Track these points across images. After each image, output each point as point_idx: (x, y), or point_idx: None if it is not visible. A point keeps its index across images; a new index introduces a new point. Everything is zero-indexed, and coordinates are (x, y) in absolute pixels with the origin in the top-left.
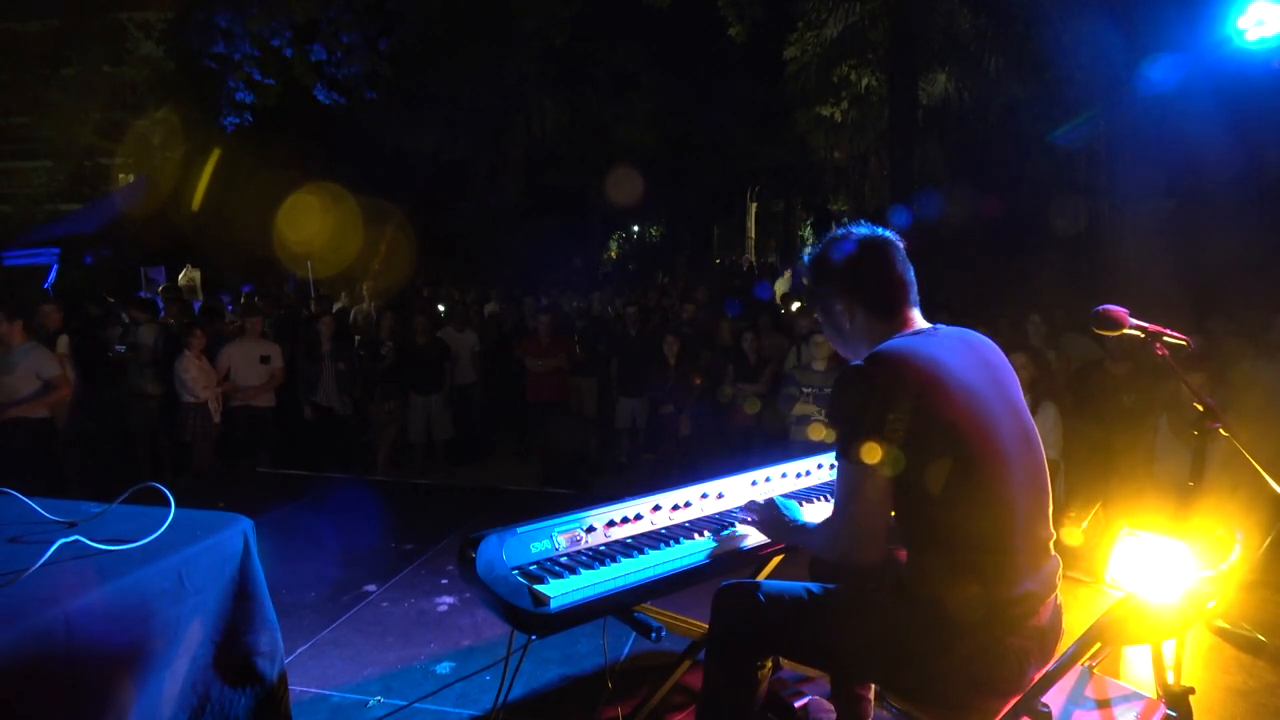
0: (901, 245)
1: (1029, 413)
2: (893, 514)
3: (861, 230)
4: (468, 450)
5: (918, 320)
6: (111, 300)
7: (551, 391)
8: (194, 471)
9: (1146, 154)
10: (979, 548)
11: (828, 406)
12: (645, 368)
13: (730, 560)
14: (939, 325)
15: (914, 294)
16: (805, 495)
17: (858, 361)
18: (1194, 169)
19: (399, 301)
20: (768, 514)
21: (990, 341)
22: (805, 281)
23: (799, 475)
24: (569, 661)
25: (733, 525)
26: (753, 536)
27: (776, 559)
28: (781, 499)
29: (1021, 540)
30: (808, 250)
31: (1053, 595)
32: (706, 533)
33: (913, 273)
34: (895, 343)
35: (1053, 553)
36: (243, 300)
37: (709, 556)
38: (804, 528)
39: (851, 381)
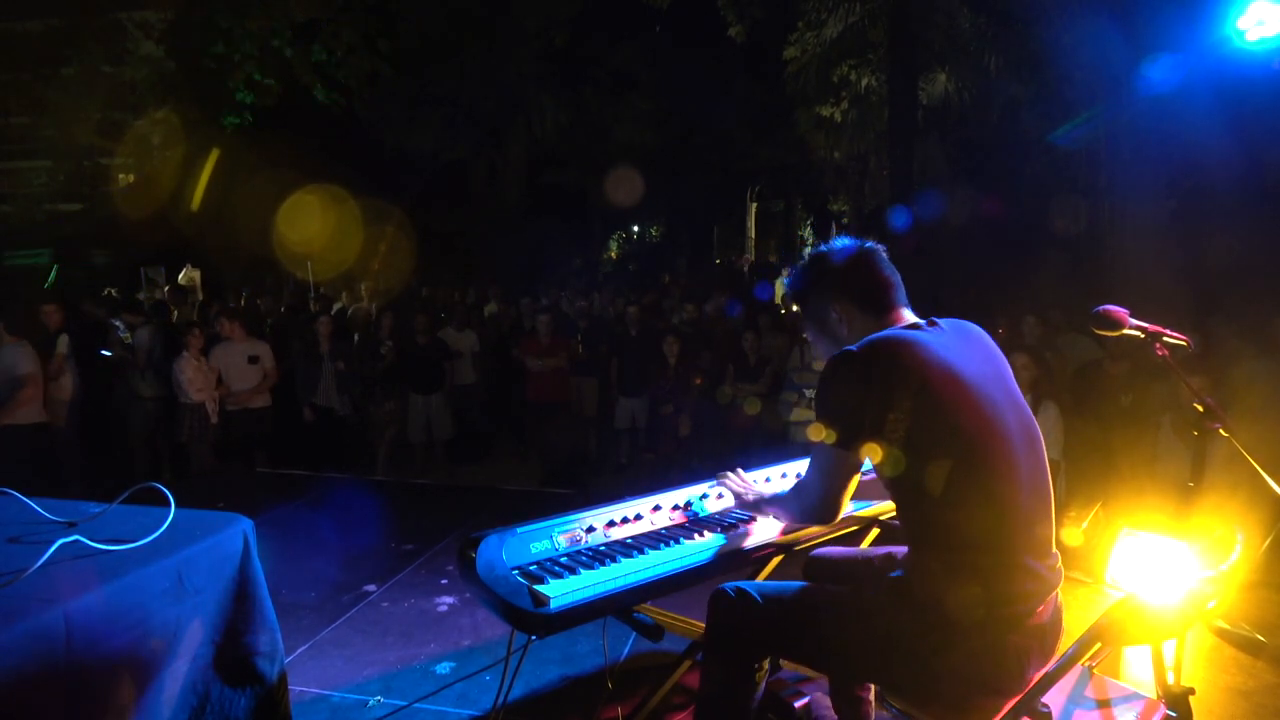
0: (884, 251)
1: (1027, 406)
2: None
3: (845, 240)
4: (468, 450)
5: (909, 317)
6: (115, 295)
7: (551, 391)
8: (192, 472)
9: (1146, 154)
10: (980, 547)
11: (818, 391)
12: (646, 368)
13: (730, 560)
14: (934, 319)
15: (903, 294)
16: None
17: (851, 347)
18: (1194, 169)
19: (399, 301)
20: (740, 484)
21: (985, 333)
22: (794, 293)
23: (799, 475)
24: (569, 662)
25: (733, 525)
26: (753, 537)
27: (776, 559)
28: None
29: (1023, 540)
30: (790, 272)
31: (1054, 593)
32: (707, 533)
33: (899, 276)
34: (892, 332)
35: (1054, 550)
36: (232, 303)
37: (709, 556)
38: (774, 497)
39: (847, 368)
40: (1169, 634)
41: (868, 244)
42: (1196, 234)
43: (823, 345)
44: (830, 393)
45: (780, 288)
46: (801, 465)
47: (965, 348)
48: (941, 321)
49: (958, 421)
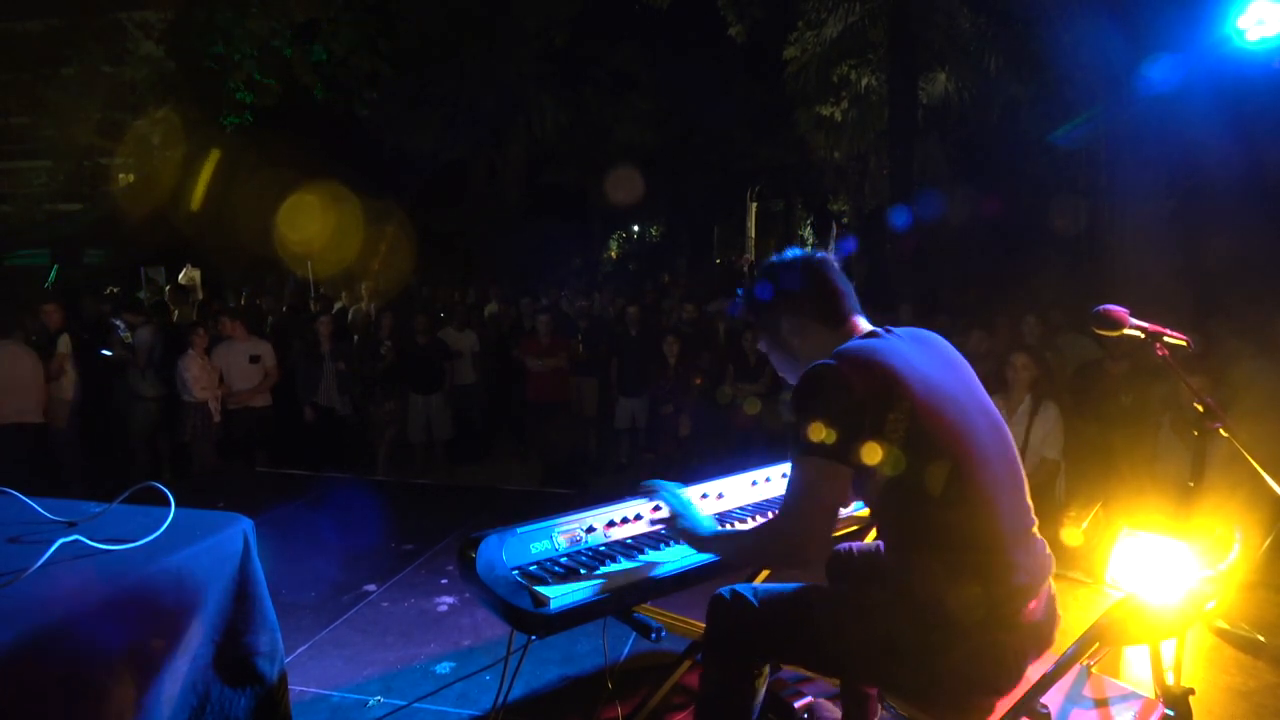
0: (836, 262)
1: (992, 403)
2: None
3: (795, 252)
4: (468, 450)
5: (864, 325)
6: (115, 291)
7: (551, 391)
8: (194, 471)
9: (1146, 154)
10: (974, 546)
11: (794, 401)
12: (646, 368)
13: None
14: (889, 328)
15: (855, 301)
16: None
17: (828, 360)
18: (1194, 169)
19: (399, 301)
20: (679, 524)
21: (943, 339)
22: (747, 307)
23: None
24: (569, 662)
25: (733, 525)
26: None
27: None
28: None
29: (1009, 533)
30: (745, 285)
31: (1045, 585)
32: None
33: (850, 284)
34: (857, 344)
35: (1037, 536)
36: (232, 302)
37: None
38: (725, 535)
39: (826, 379)
40: (1169, 634)
41: (817, 254)
42: (1196, 234)
43: (778, 358)
44: (811, 403)
45: None
46: None
47: (925, 353)
48: (897, 330)
49: (932, 423)
